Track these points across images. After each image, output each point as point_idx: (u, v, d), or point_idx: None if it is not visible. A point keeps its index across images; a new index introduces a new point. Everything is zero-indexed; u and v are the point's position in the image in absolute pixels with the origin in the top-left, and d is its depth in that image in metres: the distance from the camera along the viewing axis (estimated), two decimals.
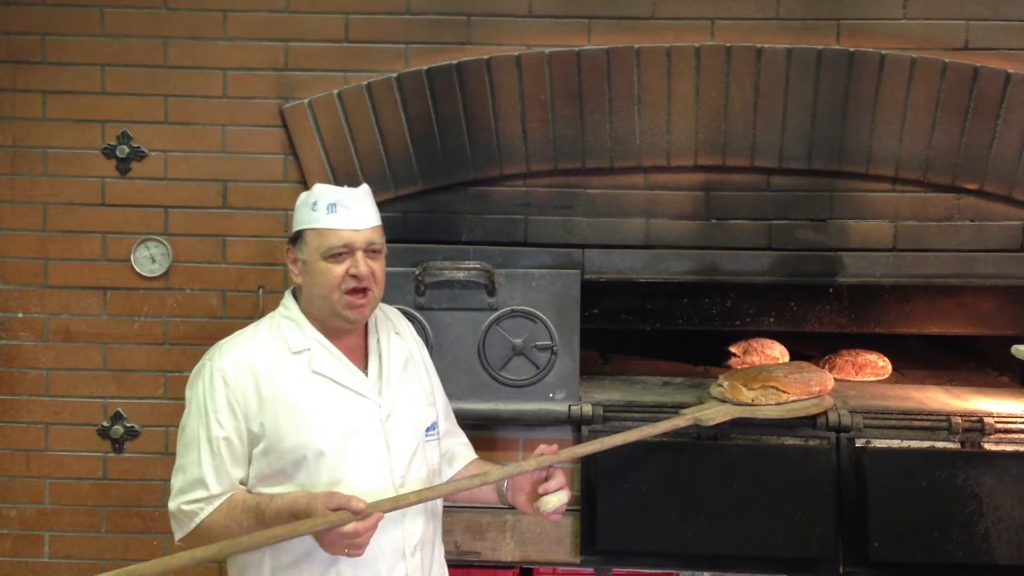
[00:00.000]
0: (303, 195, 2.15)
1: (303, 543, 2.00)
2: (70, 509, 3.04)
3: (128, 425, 3.03)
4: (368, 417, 2.09)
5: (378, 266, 2.11)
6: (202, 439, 2.03)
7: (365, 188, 2.16)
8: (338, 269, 2.06)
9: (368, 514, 1.90)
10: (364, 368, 2.15)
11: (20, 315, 3.03)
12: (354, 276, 2.06)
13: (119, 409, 3.03)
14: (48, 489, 3.05)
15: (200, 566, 1.89)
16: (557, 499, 2.13)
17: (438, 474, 2.24)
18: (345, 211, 2.08)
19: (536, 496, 2.16)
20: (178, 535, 2.06)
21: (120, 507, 3.04)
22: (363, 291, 2.08)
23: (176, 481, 2.06)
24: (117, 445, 3.03)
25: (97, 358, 3.03)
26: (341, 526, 1.88)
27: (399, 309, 2.45)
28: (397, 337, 2.24)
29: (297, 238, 2.13)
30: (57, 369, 3.03)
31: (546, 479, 2.17)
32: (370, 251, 2.10)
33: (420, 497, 2.04)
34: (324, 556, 2.00)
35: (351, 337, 2.16)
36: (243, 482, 2.06)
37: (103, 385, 3.03)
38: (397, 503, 2.00)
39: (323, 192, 2.11)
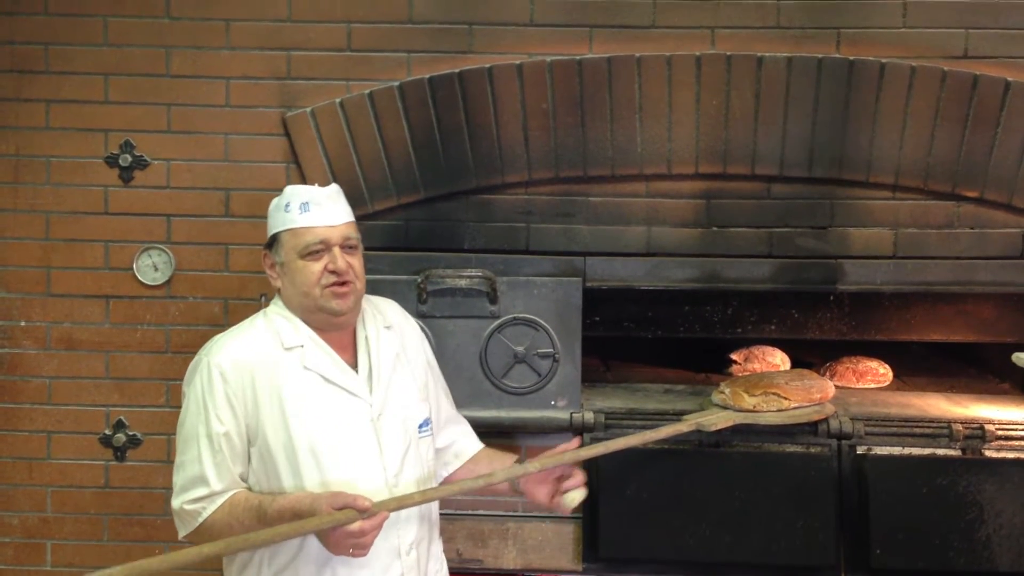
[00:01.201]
0: (275, 199, 2.16)
1: (296, 544, 2.00)
2: (72, 517, 3.04)
3: (130, 433, 3.03)
4: (359, 416, 2.09)
5: (356, 260, 2.12)
6: (201, 435, 2.03)
7: (335, 187, 2.17)
8: (316, 266, 2.07)
9: (373, 513, 1.91)
10: (355, 365, 2.15)
11: (23, 324, 3.03)
12: (333, 271, 2.07)
13: (121, 417, 3.03)
14: (50, 497, 3.04)
15: (206, 562, 1.89)
16: (580, 495, 2.21)
17: (432, 470, 2.23)
18: (318, 208, 2.09)
19: (551, 489, 2.21)
20: (182, 533, 2.06)
21: (122, 515, 3.04)
22: (344, 283, 2.08)
23: (177, 478, 2.05)
24: (119, 453, 3.03)
25: (99, 366, 3.03)
26: (347, 525, 1.89)
27: None
28: (387, 331, 2.23)
29: (273, 242, 2.14)
30: (59, 377, 3.03)
31: (561, 477, 2.21)
32: (347, 246, 2.11)
33: (425, 497, 2.05)
34: (318, 556, 2.00)
35: (342, 335, 2.15)
36: (244, 478, 2.06)
37: (105, 393, 3.03)
38: (402, 503, 2.00)
39: (294, 193, 2.12)
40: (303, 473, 2.02)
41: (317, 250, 2.08)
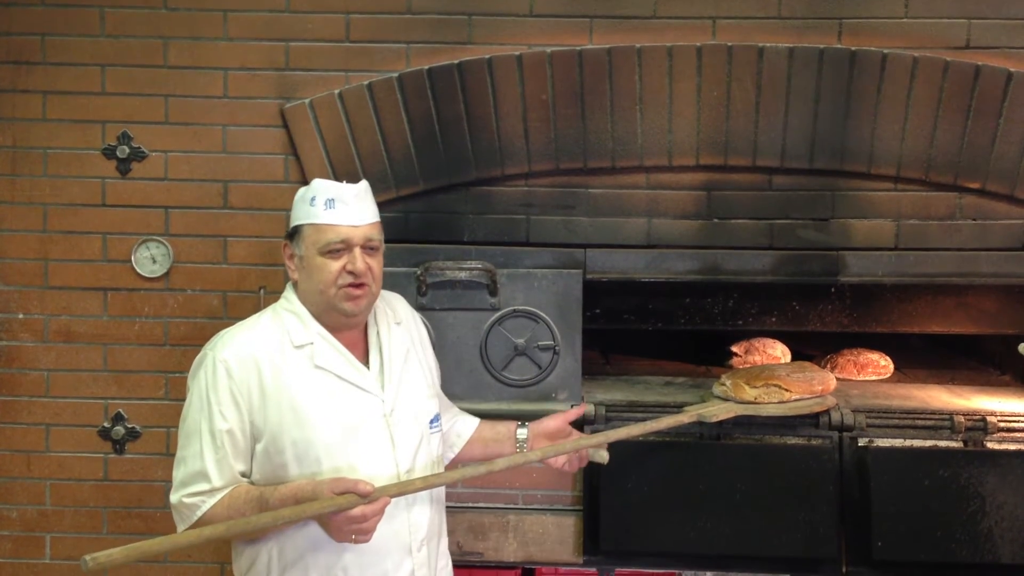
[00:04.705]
0: (301, 190, 2.15)
1: (305, 539, 2.00)
2: (71, 510, 3.04)
3: (129, 426, 3.02)
4: (371, 413, 2.08)
5: (375, 262, 2.11)
6: (204, 431, 2.02)
7: (364, 184, 2.15)
8: (335, 265, 2.06)
9: (375, 498, 1.90)
10: (366, 362, 2.14)
11: (21, 316, 3.02)
12: (351, 272, 2.06)
13: (120, 410, 3.02)
14: (49, 490, 3.04)
15: (207, 544, 1.88)
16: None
17: (441, 464, 2.24)
18: (344, 207, 2.08)
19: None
20: (181, 527, 2.05)
21: (121, 508, 3.04)
22: (360, 285, 2.07)
23: (178, 473, 2.04)
24: (118, 446, 3.03)
25: (98, 359, 3.02)
26: (348, 509, 1.88)
27: None
28: (397, 327, 2.23)
29: (294, 233, 2.13)
30: (58, 370, 3.02)
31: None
32: (368, 248, 2.10)
33: (427, 483, 2.05)
34: (329, 550, 2.00)
35: (352, 331, 2.15)
36: (245, 475, 2.05)
37: (104, 386, 3.03)
38: (404, 488, 2.00)
39: (322, 188, 2.10)
40: (313, 471, 2.01)
41: (337, 249, 2.06)
